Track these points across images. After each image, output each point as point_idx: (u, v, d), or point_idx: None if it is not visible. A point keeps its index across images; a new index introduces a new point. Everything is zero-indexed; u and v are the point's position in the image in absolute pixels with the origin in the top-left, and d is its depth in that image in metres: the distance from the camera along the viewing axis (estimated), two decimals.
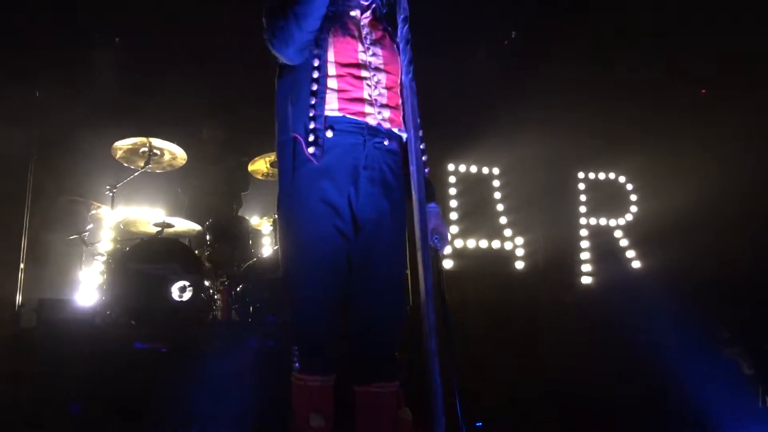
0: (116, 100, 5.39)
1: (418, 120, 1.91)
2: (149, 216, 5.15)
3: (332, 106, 2.08)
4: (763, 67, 5.65)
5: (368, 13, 2.26)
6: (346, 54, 2.15)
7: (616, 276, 6.20)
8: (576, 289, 6.19)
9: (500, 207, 6.24)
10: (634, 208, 6.53)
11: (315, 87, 2.07)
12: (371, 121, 2.13)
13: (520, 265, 6.09)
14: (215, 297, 4.59)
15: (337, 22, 2.16)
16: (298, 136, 2.06)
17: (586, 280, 6.23)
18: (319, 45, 2.10)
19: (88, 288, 4.84)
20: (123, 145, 4.69)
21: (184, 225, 4.79)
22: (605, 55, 5.97)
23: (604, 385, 3.96)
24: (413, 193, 1.87)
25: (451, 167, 6.16)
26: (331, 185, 2.05)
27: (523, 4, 5.77)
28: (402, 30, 2.00)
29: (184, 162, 4.97)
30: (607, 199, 6.54)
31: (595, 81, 6.14)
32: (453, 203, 6.06)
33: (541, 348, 4.60)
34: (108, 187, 4.74)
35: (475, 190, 6.20)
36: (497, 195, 6.27)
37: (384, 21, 2.30)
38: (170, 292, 4.20)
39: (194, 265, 4.38)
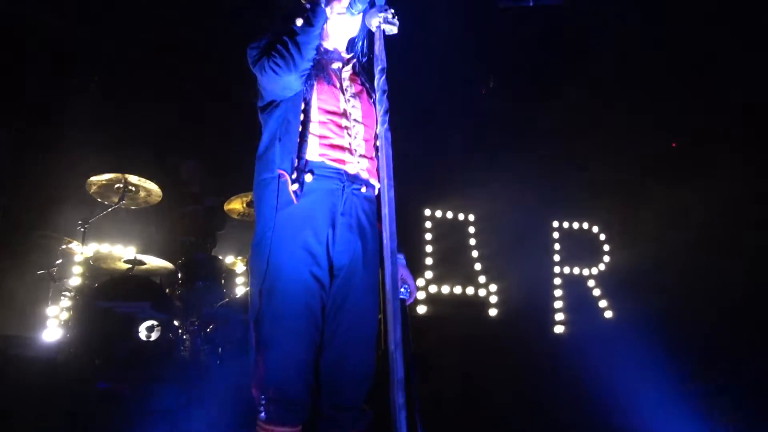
0: (93, 135, 5.35)
1: (392, 170, 1.93)
2: (120, 252, 5.10)
3: (313, 151, 2.13)
4: (734, 123, 5.83)
5: (348, 67, 2.36)
6: (330, 101, 2.23)
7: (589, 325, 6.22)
8: (548, 337, 6.19)
9: (475, 253, 6.26)
10: (606, 258, 6.59)
11: (301, 128, 2.13)
12: (350, 169, 2.17)
13: (493, 312, 6.09)
14: (184, 337, 4.51)
15: (321, 71, 2.25)
16: (284, 173, 2.08)
17: (558, 328, 6.24)
18: (305, 89, 2.17)
19: (54, 324, 4.73)
20: (98, 180, 4.65)
21: (155, 263, 4.73)
22: (581, 107, 6.11)
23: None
24: (385, 242, 1.87)
25: (427, 212, 6.19)
26: (311, 232, 2.07)
27: (503, 55, 5.91)
28: (379, 80, 2.03)
29: (159, 199, 4.94)
30: (581, 249, 6.61)
31: (571, 132, 6.27)
32: (428, 248, 6.07)
33: (511, 395, 4.59)
34: (80, 222, 4.69)
35: (450, 235, 6.22)
36: (472, 241, 6.30)
37: (362, 76, 2.40)
38: (137, 331, 4.12)
39: (164, 304, 4.33)
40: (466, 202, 6.32)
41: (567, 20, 5.49)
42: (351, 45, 2.44)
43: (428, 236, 6.12)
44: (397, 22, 2.12)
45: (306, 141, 2.12)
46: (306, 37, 2.13)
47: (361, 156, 2.22)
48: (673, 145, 6.63)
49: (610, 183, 6.52)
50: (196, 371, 4.28)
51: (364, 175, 2.22)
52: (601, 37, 5.56)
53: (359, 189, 2.19)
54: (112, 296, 4.21)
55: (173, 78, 5.57)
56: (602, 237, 6.72)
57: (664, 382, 4.48)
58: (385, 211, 1.88)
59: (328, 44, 2.38)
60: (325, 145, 2.15)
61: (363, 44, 2.43)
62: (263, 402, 1.98)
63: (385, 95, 2.01)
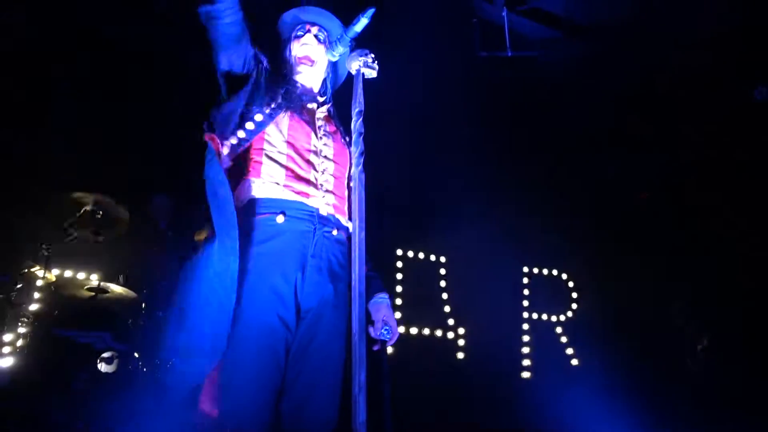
0: (64, 157, 5.27)
1: (364, 212, 1.93)
2: (84, 279, 4.98)
3: (277, 180, 2.15)
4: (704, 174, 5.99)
5: (324, 109, 2.43)
6: (299, 137, 2.27)
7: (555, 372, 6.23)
8: (515, 382, 6.18)
9: (445, 295, 6.26)
10: (574, 305, 6.65)
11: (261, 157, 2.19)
12: (317, 204, 2.19)
13: (461, 354, 6.07)
14: (144, 370, 4.38)
15: (294, 107, 2.29)
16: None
17: (525, 374, 6.23)
18: (273, 121, 2.23)
19: (8, 351, 4.56)
20: (65, 203, 4.57)
21: (119, 291, 4.63)
22: (555, 157, 6.23)
23: None
24: (354, 284, 1.86)
25: (399, 252, 6.20)
26: (280, 274, 2.05)
27: (479, 102, 6.02)
28: (356, 123, 2.05)
29: (126, 227, 4.86)
30: (550, 295, 6.66)
31: (545, 181, 6.38)
32: (398, 288, 6.05)
33: None
34: (43, 246, 4.57)
35: (421, 276, 6.23)
36: (443, 283, 6.31)
37: (337, 119, 2.47)
38: (95, 362, 4.02)
39: (125, 335, 4.22)
40: (438, 243, 6.35)
41: (541, 71, 5.63)
42: (323, 87, 2.52)
43: (399, 276, 6.12)
44: (377, 67, 2.15)
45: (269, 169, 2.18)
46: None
47: (327, 191, 2.24)
48: (642, 196, 6.78)
49: (581, 232, 6.62)
50: (156, 406, 4.16)
51: (330, 211, 2.23)
52: (573, 88, 5.71)
53: (330, 231, 2.20)
54: (73, 325, 4.12)
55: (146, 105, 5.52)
56: (571, 284, 6.79)
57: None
58: (356, 253, 1.87)
59: (302, 81, 2.44)
60: (290, 176, 2.18)
61: (330, 86, 2.52)
62: None
63: (361, 137, 2.03)
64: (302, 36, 2.46)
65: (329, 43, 2.41)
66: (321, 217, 2.19)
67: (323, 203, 2.22)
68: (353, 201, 1.98)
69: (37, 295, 4.64)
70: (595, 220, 6.55)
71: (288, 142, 2.23)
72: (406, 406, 4.60)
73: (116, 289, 4.60)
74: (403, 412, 4.47)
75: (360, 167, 2.00)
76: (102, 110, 5.35)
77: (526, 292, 6.60)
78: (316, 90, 2.48)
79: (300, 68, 2.44)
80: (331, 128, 2.40)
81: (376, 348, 2.22)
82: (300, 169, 2.22)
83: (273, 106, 2.25)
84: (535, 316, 6.51)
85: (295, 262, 2.09)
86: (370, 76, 2.15)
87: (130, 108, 5.36)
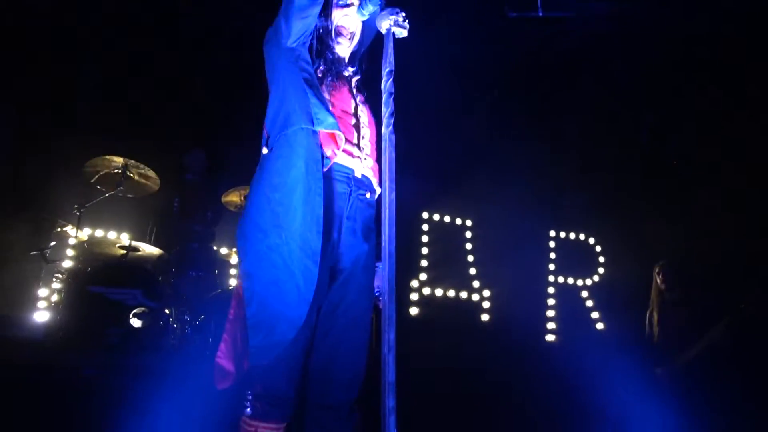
0: (95, 119, 5.32)
1: (394, 173, 1.92)
2: (115, 238, 5.07)
3: (330, 145, 2.11)
4: (735, 136, 5.83)
5: (355, 78, 2.39)
6: (344, 101, 2.25)
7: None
8: (539, 345, 6.20)
9: (471, 258, 6.26)
10: (601, 270, 6.60)
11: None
12: (357, 170, 2.18)
13: (485, 317, 6.09)
14: (174, 326, 4.48)
15: (336, 71, 2.27)
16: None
17: (549, 337, 6.24)
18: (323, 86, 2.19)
19: (43, 306, 4.70)
20: (96, 164, 4.63)
21: (149, 250, 4.71)
22: (585, 119, 6.11)
23: None
24: (384, 244, 1.86)
25: (425, 215, 6.19)
26: (318, 232, 2.01)
27: (510, 63, 5.90)
28: (386, 83, 2.02)
29: (157, 188, 4.92)
30: (576, 259, 6.62)
31: (574, 143, 6.28)
32: (424, 251, 6.06)
33: (498, 400, 4.59)
34: (76, 206, 4.66)
35: (447, 239, 6.22)
36: (468, 246, 6.30)
37: (363, 91, 2.42)
38: (128, 318, 4.10)
39: (156, 293, 4.30)
40: (464, 206, 6.32)
41: (575, 31, 5.48)
42: (354, 56, 2.47)
43: (425, 239, 6.12)
44: (407, 26, 2.11)
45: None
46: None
47: (367, 155, 2.24)
48: (674, 162, 6.65)
49: (609, 196, 6.53)
50: (185, 361, 4.26)
51: (369, 178, 2.23)
52: (608, 49, 5.55)
53: (364, 194, 2.20)
54: (105, 282, 4.18)
55: (181, 69, 5.54)
56: (598, 249, 6.73)
57: (653, 397, 4.49)
58: (386, 213, 1.86)
59: (338, 50, 2.39)
60: (342, 141, 2.14)
61: (362, 62, 2.47)
62: (249, 398, 1.97)
63: (392, 98, 2.00)
64: (345, 6, 2.37)
65: (361, 4, 2.36)
66: (356, 179, 2.18)
67: (363, 167, 2.21)
68: (383, 162, 1.97)
69: (70, 252, 4.75)
70: (625, 185, 6.45)
71: (336, 105, 2.21)
72: (428, 366, 4.66)
73: (147, 247, 4.68)
74: (425, 372, 4.55)
75: (390, 128, 1.98)
76: (132, 70, 5.38)
77: (552, 255, 6.56)
78: (347, 60, 2.43)
79: (339, 39, 2.38)
80: (362, 97, 2.38)
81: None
82: (348, 133, 2.20)
83: (321, 69, 2.23)
84: (561, 279, 6.48)
85: (332, 224, 2.08)
86: (400, 36, 2.11)
87: (160, 68, 5.38)
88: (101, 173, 4.69)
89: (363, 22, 2.41)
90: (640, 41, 5.42)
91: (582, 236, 6.74)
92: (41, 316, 4.61)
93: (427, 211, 6.22)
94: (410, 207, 5.95)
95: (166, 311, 4.41)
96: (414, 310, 5.78)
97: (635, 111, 6.21)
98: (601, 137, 6.35)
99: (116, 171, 4.66)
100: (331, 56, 2.28)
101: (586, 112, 6.15)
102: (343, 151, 2.13)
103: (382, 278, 1.82)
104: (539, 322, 6.28)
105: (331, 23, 2.36)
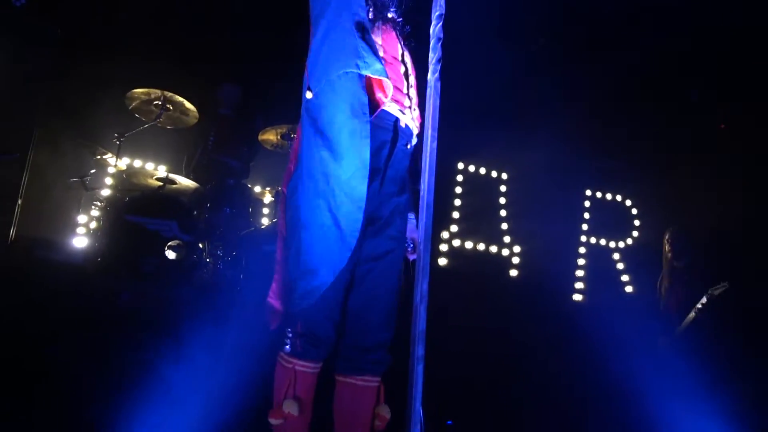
0: (137, 49, 5.32)
1: (438, 121, 1.88)
2: (152, 170, 5.14)
3: (379, 92, 2.05)
4: None
5: (399, 23, 2.31)
6: (393, 46, 2.21)
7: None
8: (566, 303, 6.18)
9: (503, 212, 6.21)
10: (635, 233, 6.50)
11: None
12: (403, 120, 2.15)
13: (514, 272, 6.08)
14: (207, 260, 4.57)
15: (382, 15, 2.20)
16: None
17: (577, 296, 6.22)
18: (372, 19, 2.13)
19: (82, 232, 4.83)
20: (138, 94, 4.66)
21: (186, 183, 4.77)
22: (630, 77, 5.90)
23: (578, 397, 4.00)
24: (422, 194, 1.84)
25: (460, 166, 6.12)
26: (366, 179, 1.97)
27: (555, 15, 5.69)
28: (435, 27, 1.95)
29: (195, 120, 4.94)
30: (611, 220, 6.52)
31: (617, 103, 6.09)
32: (457, 202, 6.02)
33: (522, 356, 4.63)
34: (116, 135, 4.72)
35: (480, 192, 6.17)
36: (502, 200, 6.24)
37: (411, 38, 2.35)
38: (162, 249, 4.19)
39: (190, 226, 4.37)
40: (501, 160, 6.23)
41: None
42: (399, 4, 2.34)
43: (458, 190, 6.07)
44: None
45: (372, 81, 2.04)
46: None
47: (415, 106, 2.21)
48: (721, 126, 6.41)
49: (649, 158, 6.37)
50: (217, 295, 4.36)
51: (411, 129, 2.19)
52: (662, 4, 5.30)
53: (405, 144, 2.18)
54: (142, 212, 4.26)
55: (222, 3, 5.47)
56: (634, 211, 6.62)
57: (678, 363, 4.47)
58: (426, 162, 1.83)
59: None
60: (393, 87, 2.08)
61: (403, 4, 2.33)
62: (289, 335, 2.01)
63: (440, 43, 1.94)
64: None
65: None
66: (401, 129, 2.14)
67: (408, 117, 2.17)
68: (427, 109, 1.92)
69: (109, 181, 4.84)
70: (666, 147, 6.27)
71: (384, 49, 2.16)
72: (453, 317, 4.69)
73: (183, 180, 4.73)
74: (451, 322, 4.58)
75: (437, 74, 1.92)
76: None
77: (586, 215, 6.48)
78: (396, 3, 2.30)
79: None
80: (407, 43, 2.31)
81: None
82: (398, 80, 2.16)
83: (372, 10, 2.16)
84: (593, 240, 6.41)
85: (374, 170, 2.04)
86: None
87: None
88: (141, 103, 4.71)
89: None
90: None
91: (619, 197, 6.62)
92: (80, 241, 4.74)
93: (462, 161, 6.15)
94: (446, 156, 5.87)
95: (200, 245, 4.49)
96: (443, 261, 5.79)
97: (685, 72, 5.97)
98: (647, 97, 6.14)
99: (156, 102, 4.68)
100: None
101: (633, 70, 5.93)
102: (392, 99, 2.08)
103: (418, 229, 1.81)
104: (568, 281, 6.25)
105: None
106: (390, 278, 2.12)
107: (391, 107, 2.10)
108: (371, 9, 2.16)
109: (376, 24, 2.17)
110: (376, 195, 2.08)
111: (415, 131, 2.22)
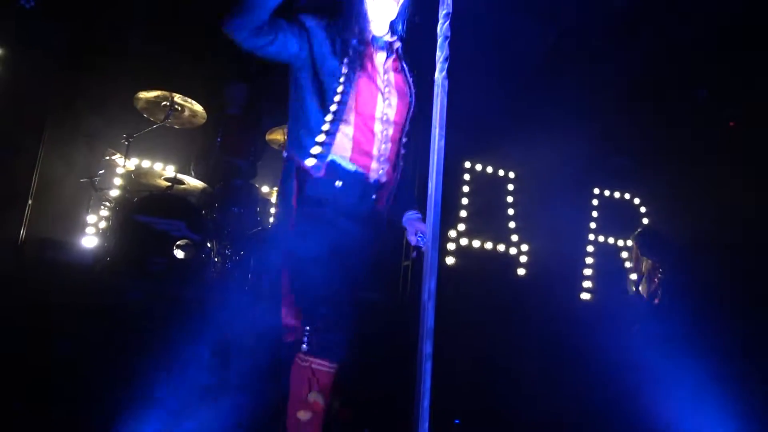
0: (144, 50, 5.34)
1: (445, 120, 1.88)
2: (161, 170, 5.16)
3: (344, 153, 2.15)
4: None
5: (393, 55, 2.32)
6: (368, 105, 2.20)
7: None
8: (573, 302, 6.17)
9: (511, 211, 6.19)
10: None
11: (328, 127, 2.13)
12: (373, 175, 2.22)
13: (521, 271, 6.07)
14: (215, 260, 4.59)
15: (364, 65, 2.19)
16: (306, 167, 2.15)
17: (585, 295, 6.20)
18: (344, 82, 2.13)
19: (91, 232, 4.86)
20: (146, 95, 4.68)
21: (194, 183, 4.79)
22: (639, 75, 5.87)
23: (583, 397, 3.99)
24: (430, 192, 1.85)
25: (467, 165, 6.11)
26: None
27: (566, 12, 5.67)
28: (442, 25, 1.96)
29: (203, 121, 4.96)
30: (619, 219, 6.50)
31: (625, 100, 6.06)
32: (464, 201, 6.01)
33: (529, 355, 4.62)
34: (125, 135, 4.74)
35: (487, 190, 6.15)
36: (509, 199, 6.23)
37: (402, 58, 2.37)
38: (171, 249, 4.22)
39: (199, 225, 4.39)
40: (508, 158, 6.21)
41: None
42: (397, 20, 2.35)
43: (465, 188, 6.06)
44: None
45: (333, 140, 2.14)
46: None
47: (386, 160, 2.25)
48: (731, 124, 6.38)
49: (658, 155, 6.33)
50: (225, 294, 4.38)
51: (383, 180, 2.26)
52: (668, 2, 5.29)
53: (375, 198, 2.26)
54: (150, 212, 4.28)
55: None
56: (642, 210, 6.59)
57: (686, 362, 4.45)
58: (434, 161, 1.84)
59: (372, 29, 2.28)
60: (357, 149, 2.17)
61: (403, 26, 2.37)
62: (307, 333, 2.05)
63: (447, 42, 1.94)
64: None
65: None
66: (369, 184, 2.22)
67: (378, 172, 2.23)
68: (434, 107, 1.92)
69: (118, 181, 4.86)
70: (675, 144, 6.24)
71: (357, 111, 2.17)
72: (461, 316, 4.69)
73: (191, 180, 4.75)
74: (457, 322, 4.58)
75: (444, 73, 1.93)
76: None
77: (594, 214, 6.46)
78: (383, 33, 2.31)
79: (381, 2, 2.24)
80: (396, 78, 2.30)
81: (414, 255, 2.37)
82: (365, 141, 2.19)
83: (346, 62, 2.15)
84: (601, 239, 6.39)
85: (343, 227, 2.16)
86: None
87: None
88: (149, 104, 4.74)
89: None
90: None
91: (627, 196, 6.60)
92: (89, 241, 4.77)
93: (469, 160, 6.14)
94: (452, 155, 5.85)
95: (208, 245, 4.51)
96: (450, 260, 5.79)
97: (692, 68, 5.94)
98: (655, 94, 6.12)
99: (164, 104, 4.70)
100: (361, 35, 2.20)
101: (640, 67, 5.90)
102: (356, 162, 2.18)
103: (427, 226, 1.82)
104: (576, 280, 6.23)
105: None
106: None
107: (359, 162, 2.19)
108: (345, 62, 2.15)
109: (356, 74, 2.16)
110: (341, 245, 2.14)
111: (384, 183, 2.27)
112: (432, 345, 1.71)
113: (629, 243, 5.89)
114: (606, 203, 6.53)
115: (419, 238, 2.27)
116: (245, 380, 2.97)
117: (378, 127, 2.21)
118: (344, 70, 2.13)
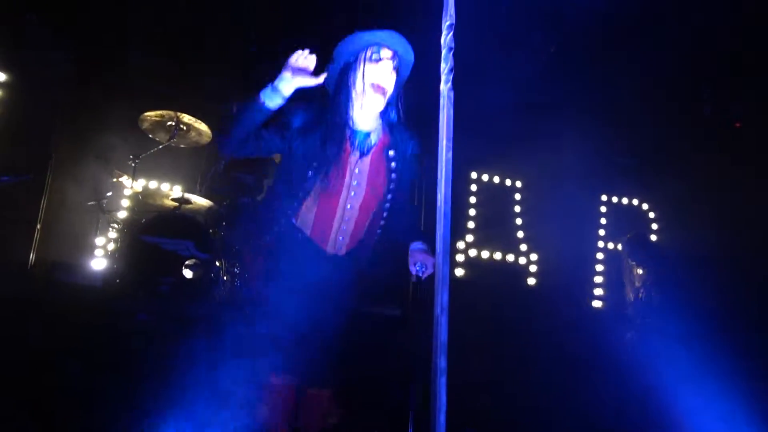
0: (150, 71, 5.38)
1: (452, 132, 1.87)
2: (168, 190, 5.17)
3: (305, 227, 2.39)
4: None
5: (369, 153, 2.43)
6: (333, 194, 2.38)
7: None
8: (585, 310, 6.12)
9: (519, 221, 6.17)
10: (654, 237, 6.43)
11: (294, 203, 2.39)
12: (330, 250, 2.44)
13: (532, 281, 6.03)
14: (224, 278, 4.58)
15: (339, 159, 2.35)
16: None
17: (596, 303, 6.16)
18: (314, 175, 2.33)
19: (100, 254, 4.86)
20: (151, 116, 4.70)
21: (201, 202, 4.79)
22: (642, 81, 5.86)
23: (597, 408, 3.94)
24: (439, 204, 1.82)
25: (474, 175, 6.10)
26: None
27: (567, 20, 5.67)
28: (446, 37, 1.95)
29: (209, 139, 4.97)
30: (628, 225, 6.45)
31: (630, 106, 6.05)
32: (472, 212, 5.99)
33: (541, 364, 4.58)
34: (131, 156, 4.76)
35: (495, 200, 6.13)
36: (517, 208, 6.21)
37: (389, 146, 2.47)
38: (180, 268, 4.21)
39: (207, 245, 4.38)
40: (515, 167, 6.20)
41: None
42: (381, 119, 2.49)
43: (473, 199, 6.05)
44: None
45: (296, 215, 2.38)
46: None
47: (346, 238, 2.44)
48: (737, 125, 6.34)
49: (665, 161, 6.31)
50: (234, 313, 4.35)
51: (341, 253, 2.46)
52: (670, 8, 5.28)
53: (330, 266, 2.44)
54: (158, 232, 4.28)
55: (233, 23, 5.52)
56: (651, 215, 6.55)
57: (697, 368, 4.40)
58: (442, 173, 1.82)
59: (357, 125, 2.42)
60: (316, 226, 2.40)
61: (399, 109, 2.48)
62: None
63: (451, 53, 1.93)
64: (378, 61, 2.37)
65: (400, 73, 2.43)
66: (326, 256, 2.43)
67: (335, 247, 2.45)
68: (440, 119, 1.91)
69: (125, 203, 4.87)
70: (682, 149, 6.21)
71: (317, 213, 2.39)
72: (472, 328, 4.65)
73: (198, 200, 4.75)
74: (470, 334, 4.55)
75: (449, 84, 1.92)
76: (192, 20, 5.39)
77: (602, 221, 6.42)
78: (371, 126, 2.44)
79: (370, 99, 2.37)
80: (372, 168, 2.43)
81: (413, 280, 2.57)
82: (325, 224, 2.41)
83: (323, 158, 2.33)
84: (611, 246, 6.35)
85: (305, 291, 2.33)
86: None
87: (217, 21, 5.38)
88: (155, 125, 4.76)
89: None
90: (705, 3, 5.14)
91: (635, 201, 6.56)
92: (98, 263, 4.78)
93: (475, 170, 6.13)
94: (458, 166, 5.84)
95: (217, 263, 4.49)
96: (460, 272, 5.76)
97: (696, 74, 5.93)
98: (659, 99, 6.10)
99: (170, 124, 4.72)
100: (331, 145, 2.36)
101: (644, 73, 5.89)
102: (315, 239, 2.42)
103: (437, 239, 1.79)
104: (586, 287, 6.19)
105: (354, 82, 2.38)
106: None
107: (316, 236, 2.42)
108: (322, 157, 2.33)
109: (330, 167, 2.33)
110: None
111: (343, 251, 2.47)
112: (446, 359, 1.68)
113: (619, 247, 5.89)
114: (614, 210, 6.50)
115: (418, 269, 2.39)
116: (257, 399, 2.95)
117: (339, 213, 2.40)
118: (319, 163, 2.32)
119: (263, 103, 2.22)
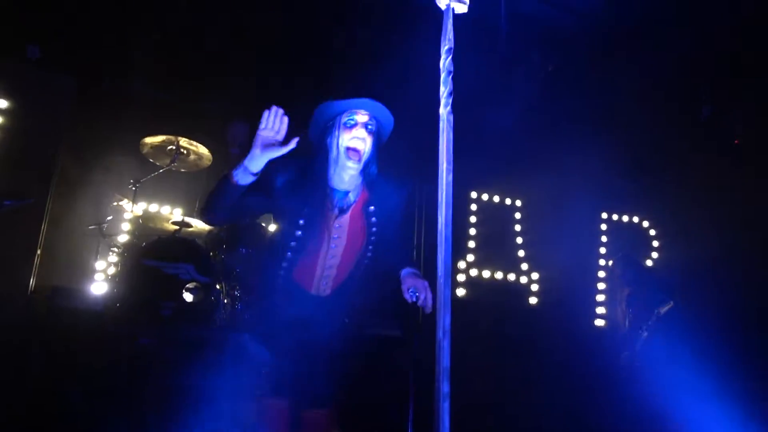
0: (149, 97, 5.41)
1: (452, 155, 1.88)
2: (168, 213, 5.17)
3: (289, 271, 2.53)
4: None
5: (348, 211, 2.52)
6: (314, 247, 2.50)
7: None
8: (588, 329, 6.09)
9: (519, 240, 6.16)
10: (655, 254, 6.42)
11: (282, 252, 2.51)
12: (313, 292, 2.57)
13: (533, 300, 6.01)
14: (225, 301, 4.56)
15: (321, 214, 2.46)
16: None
17: (599, 322, 6.13)
18: (297, 232, 2.45)
19: (101, 278, 4.85)
20: (151, 141, 4.72)
21: (201, 225, 4.79)
22: (641, 98, 5.90)
23: (606, 422, 3.92)
24: (440, 228, 1.83)
25: (473, 195, 6.10)
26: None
27: (564, 41, 5.72)
28: (445, 61, 1.96)
29: (209, 163, 4.99)
30: (629, 243, 6.45)
31: (629, 123, 6.08)
32: (472, 231, 5.99)
33: (544, 383, 4.55)
34: (132, 181, 4.77)
35: (495, 220, 6.13)
36: (518, 227, 6.20)
37: (366, 205, 2.56)
38: (180, 292, 4.20)
39: (207, 268, 4.38)
40: (514, 186, 6.21)
41: (634, 5, 5.26)
42: (359, 181, 2.57)
43: (473, 219, 6.05)
44: (468, 0, 2.04)
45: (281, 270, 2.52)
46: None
47: (329, 282, 2.57)
48: (736, 141, 6.37)
49: (665, 178, 6.32)
50: (235, 336, 4.34)
51: (323, 294, 2.58)
52: (668, 23, 5.32)
53: (321, 313, 2.56)
54: (159, 256, 4.28)
55: (235, 50, 5.57)
56: (652, 233, 6.54)
57: (702, 385, 4.37)
58: (442, 195, 1.83)
59: (336, 185, 2.51)
60: (298, 275, 2.54)
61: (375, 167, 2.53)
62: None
63: (450, 76, 1.95)
64: (353, 126, 2.43)
65: (377, 136, 2.49)
66: (309, 296, 2.56)
67: (318, 290, 2.58)
68: (440, 142, 1.92)
69: (126, 226, 4.87)
70: (681, 166, 6.23)
71: (306, 250, 2.49)
72: (475, 348, 4.63)
73: (198, 223, 4.76)
74: (470, 353, 4.52)
75: (449, 108, 1.93)
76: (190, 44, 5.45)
77: (603, 238, 6.42)
78: (349, 185, 2.52)
79: (345, 163, 2.44)
80: (352, 223, 2.53)
81: (410, 304, 2.52)
82: (308, 270, 2.54)
83: (303, 217, 2.45)
84: (612, 263, 6.33)
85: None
86: (460, 12, 2.04)
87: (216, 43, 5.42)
88: (155, 149, 4.78)
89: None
90: (703, 15, 5.18)
91: (636, 219, 6.56)
92: (99, 287, 4.76)
93: (475, 190, 6.14)
94: (458, 186, 5.85)
95: (217, 287, 4.48)
96: (461, 292, 5.74)
97: (695, 89, 5.97)
98: (659, 116, 6.12)
99: (170, 148, 4.74)
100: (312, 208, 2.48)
101: (643, 90, 5.93)
102: (298, 284, 2.56)
103: (438, 262, 1.79)
104: (589, 306, 6.17)
105: (332, 146, 2.46)
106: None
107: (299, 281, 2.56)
108: (303, 216, 2.46)
109: (311, 224, 2.46)
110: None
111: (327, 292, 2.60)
112: (449, 384, 1.67)
113: (610, 263, 5.94)
114: (614, 227, 6.50)
115: (411, 293, 2.42)
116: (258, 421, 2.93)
117: (320, 266, 2.52)
118: (301, 222, 2.44)
119: (237, 181, 2.28)
